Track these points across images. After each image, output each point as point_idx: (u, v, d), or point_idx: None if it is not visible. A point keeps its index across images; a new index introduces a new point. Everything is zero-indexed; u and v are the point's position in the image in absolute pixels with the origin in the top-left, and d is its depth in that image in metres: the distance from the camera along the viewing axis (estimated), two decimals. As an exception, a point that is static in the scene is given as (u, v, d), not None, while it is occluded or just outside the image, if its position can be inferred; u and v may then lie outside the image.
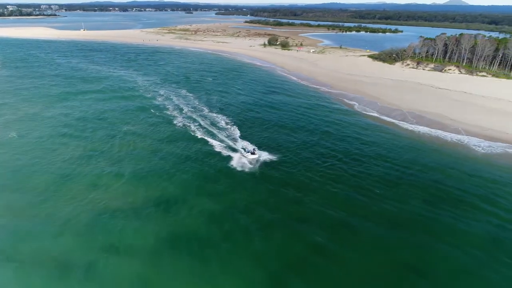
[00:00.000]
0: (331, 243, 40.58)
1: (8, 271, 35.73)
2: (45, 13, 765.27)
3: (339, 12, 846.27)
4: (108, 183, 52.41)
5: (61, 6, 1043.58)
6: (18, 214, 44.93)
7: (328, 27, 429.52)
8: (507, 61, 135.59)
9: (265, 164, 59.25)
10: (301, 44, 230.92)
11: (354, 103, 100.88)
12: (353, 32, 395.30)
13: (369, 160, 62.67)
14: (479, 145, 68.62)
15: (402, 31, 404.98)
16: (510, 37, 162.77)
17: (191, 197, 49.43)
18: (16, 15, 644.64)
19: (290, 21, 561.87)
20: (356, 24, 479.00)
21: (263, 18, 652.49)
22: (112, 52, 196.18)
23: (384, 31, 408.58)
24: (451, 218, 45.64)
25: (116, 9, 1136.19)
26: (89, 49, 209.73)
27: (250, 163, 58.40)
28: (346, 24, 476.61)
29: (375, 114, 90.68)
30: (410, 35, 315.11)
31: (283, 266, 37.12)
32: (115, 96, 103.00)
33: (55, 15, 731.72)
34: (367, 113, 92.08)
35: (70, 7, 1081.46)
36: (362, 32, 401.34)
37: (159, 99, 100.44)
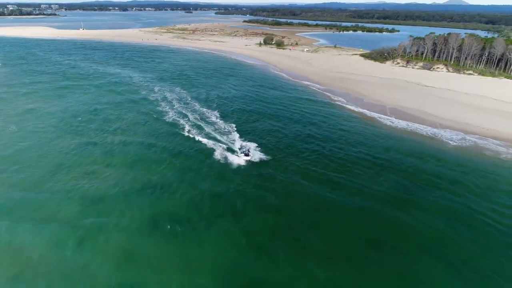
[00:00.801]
0: (311, 216, 44.80)
1: (25, 228, 41.39)
2: (45, 12, 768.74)
3: (338, 11, 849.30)
4: (102, 169, 56.35)
5: (61, 6, 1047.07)
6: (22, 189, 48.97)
7: (326, 27, 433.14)
8: (493, 60, 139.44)
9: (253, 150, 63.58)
10: (296, 44, 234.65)
11: (340, 98, 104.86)
12: (350, 32, 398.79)
13: (348, 147, 67.73)
14: (452, 138, 72.54)
15: (398, 31, 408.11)
16: (498, 36, 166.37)
17: (180, 182, 53.21)
18: (16, 15, 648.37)
19: (289, 20, 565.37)
20: (353, 24, 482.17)
21: (261, 18, 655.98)
22: (110, 51, 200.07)
23: (380, 30, 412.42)
24: (418, 197, 50.00)
25: (116, 8, 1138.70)
26: (88, 47, 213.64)
27: (244, 161, 59.76)
28: (344, 24, 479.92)
29: (358, 109, 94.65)
30: (406, 35, 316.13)
31: (266, 237, 41.21)
32: (112, 91, 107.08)
33: (55, 14, 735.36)
34: (350, 107, 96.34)
35: (70, 7, 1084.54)
36: (359, 32, 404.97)
37: (154, 94, 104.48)
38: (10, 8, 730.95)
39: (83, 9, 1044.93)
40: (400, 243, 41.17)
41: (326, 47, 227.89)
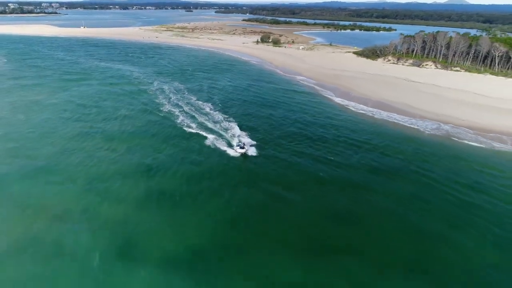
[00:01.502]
0: (288, 193, 50.66)
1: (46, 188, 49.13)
2: (46, 11, 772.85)
3: (338, 10, 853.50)
4: (105, 154, 62.06)
5: (61, 4, 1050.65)
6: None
7: (324, 26, 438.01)
8: (479, 57, 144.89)
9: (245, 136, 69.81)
10: (293, 42, 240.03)
11: (330, 92, 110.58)
12: (348, 31, 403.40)
13: (331, 131, 75.55)
14: (428, 127, 78.31)
15: (395, 30, 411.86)
16: (486, 34, 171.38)
17: (175, 164, 58.85)
18: (18, 13, 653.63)
19: (288, 19, 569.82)
20: (351, 23, 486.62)
21: (261, 17, 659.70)
22: (112, 48, 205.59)
23: (378, 29, 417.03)
24: (386, 178, 55.77)
25: (116, 7, 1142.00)
26: (89, 45, 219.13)
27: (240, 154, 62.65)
28: (342, 23, 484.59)
29: (345, 101, 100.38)
30: (402, 33, 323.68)
31: (247, 210, 46.90)
32: (113, 84, 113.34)
33: (56, 13, 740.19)
34: (338, 99, 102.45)
35: (70, 5, 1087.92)
36: (357, 31, 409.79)
37: (154, 87, 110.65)
38: (12, 7, 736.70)
39: (84, 8, 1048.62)
40: (369, 203, 48.11)
41: (322, 45, 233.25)
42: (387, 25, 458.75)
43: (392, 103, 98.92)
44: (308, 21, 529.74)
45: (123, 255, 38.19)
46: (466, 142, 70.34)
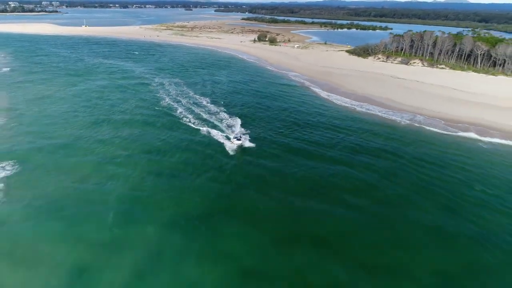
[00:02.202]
0: (279, 166, 58.86)
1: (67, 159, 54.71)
2: (46, 9, 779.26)
3: (336, 9, 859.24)
4: (111, 140, 70.13)
5: (62, 3, 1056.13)
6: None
7: (321, 25, 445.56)
8: (463, 55, 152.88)
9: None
10: (289, 40, 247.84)
11: (319, 88, 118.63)
12: (344, 30, 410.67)
13: (318, 118, 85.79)
14: (404, 118, 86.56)
15: (391, 29, 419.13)
16: (470, 29, 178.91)
17: (174, 150, 66.94)
18: (19, 12, 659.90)
19: (286, 18, 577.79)
20: (348, 22, 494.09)
21: (260, 16, 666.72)
22: (114, 46, 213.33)
23: (374, 28, 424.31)
24: (363, 156, 64.82)
25: (116, 5, 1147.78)
26: (92, 43, 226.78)
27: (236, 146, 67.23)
28: (339, 22, 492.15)
29: (333, 95, 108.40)
30: (398, 32, 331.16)
31: (235, 183, 55.12)
32: (118, 80, 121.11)
33: (56, 11, 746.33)
34: (326, 94, 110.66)
35: (71, 4, 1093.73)
36: (353, 30, 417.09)
37: (156, 82, 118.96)
38: (12, 5, 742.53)
39: (84, 6, 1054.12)
40: (347, 174, 56.83)
41: (317, 43, 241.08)
42: (383, 24, 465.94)
43: (376, 98, 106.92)
44: (306, 20, 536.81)
45: (133, 215, 46.41)
46: (435, 130, 78.69)
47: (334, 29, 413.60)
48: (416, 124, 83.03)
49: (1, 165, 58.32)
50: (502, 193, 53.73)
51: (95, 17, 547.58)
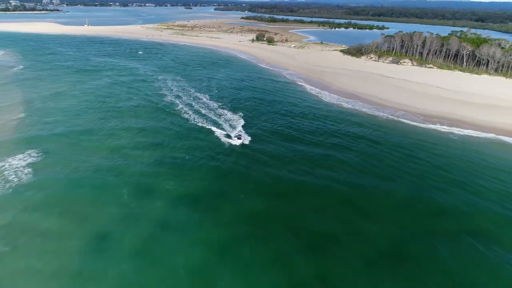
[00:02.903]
0: (272, 149, 67.58)
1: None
2: (48, 8, 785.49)
3: (335, 8, 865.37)
4: (123, 133, 78.72)
5: (62, 1, 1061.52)
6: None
7: (319, 24, 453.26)
8: (450, 55, 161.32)
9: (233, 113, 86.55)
10: (286, 40, 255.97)
11: (311, 85, 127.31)
12: (342, 29, 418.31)
13: (307, 109, 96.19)
14: (385, 112, 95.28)
15: (388, 28, 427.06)
16: (459, 35, 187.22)
17: (178, 141, 75.53)
18: (21, 10, 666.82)
19: (285, 17, 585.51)
20: (346, 21, 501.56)
21: (259, 14, 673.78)
22: (118, 46, 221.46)
23: (371, 27, 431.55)
24: (346, 142, 74.94)
25: (117, 4, 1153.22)
26: (96, 43, 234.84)
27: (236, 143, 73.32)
28: (337, 21, 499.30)
29: (324, 92, 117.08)
30: (394, 31, 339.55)
31: (233, 168, 63.72)
32: (123, 77, 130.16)
33: (57, 10, 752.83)
34: (317, 91, 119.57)
35: (71, 2, 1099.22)
36: (350, 29, 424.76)
37: (160, 81, 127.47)
38: (13, 4, 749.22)
39: (84, 4, 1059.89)
40: (329, 156, 65.59)
41: (313, 43, 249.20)
42: (380, 24, 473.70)
43: (363, 95, 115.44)
44: (305, 19, 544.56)
45: (143, 191, 55.21)
46: (413, 123, 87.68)
47: (331, 28, 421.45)
48: (396, 118, 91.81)
49: (30, 149, 67.79)
50: (463, 172, 63.05)
51: (96, 16, 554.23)
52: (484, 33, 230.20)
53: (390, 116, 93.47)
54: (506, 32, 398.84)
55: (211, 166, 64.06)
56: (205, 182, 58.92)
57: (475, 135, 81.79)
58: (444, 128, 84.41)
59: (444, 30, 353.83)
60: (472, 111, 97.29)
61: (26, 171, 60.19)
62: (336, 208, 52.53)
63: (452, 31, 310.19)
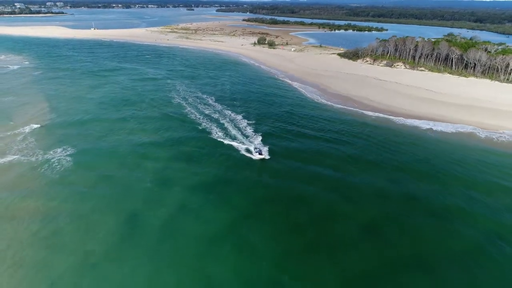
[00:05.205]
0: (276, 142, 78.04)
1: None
2: (52, 11, 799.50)
3: (335, 9, 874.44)
4: (135, 130, 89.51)
5: (65, 3, 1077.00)
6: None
7: (319, 26, 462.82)
8: (440, 59, 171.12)
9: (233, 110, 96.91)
10: (286, 43, 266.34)
11: (307, 87, 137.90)
12: (341, 31, 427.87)
13: (303, 109, 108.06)
14: (373, 114, 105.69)
15: (387, 30, 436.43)
16: (450, 39, 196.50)
17: (186, 138, 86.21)
18: (26, 13, 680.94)
19: (286, 19, 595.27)
20: (346, 22, 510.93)
21: (260, 16, 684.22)
22: (127, 50, 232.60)
23: (370, 29, 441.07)
24: (339, 138, 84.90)
25: (119, 5, 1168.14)
26: (104, 47, 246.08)
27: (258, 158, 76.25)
28: (337, 22, 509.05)
29: (318, 94, 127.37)
30: (392, 33, 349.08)
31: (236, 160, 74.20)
32: (137, 81, 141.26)
33: (62, 12, 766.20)
34: (312, 93, 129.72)
35: (74, 4, 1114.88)
36: (350, 31, 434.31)
37: (171, 84, 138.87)
38: (18, 7, 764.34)
39: (88, 6, 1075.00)
40: (324, 153, 75.75)
41: (313, 46, 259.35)
42: (379, 25, 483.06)
43: (356, 98, 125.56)
44: (306, 20, 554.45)
45: (162, 181, 65.85)
46: (400, 123, 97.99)
47: (331, 30, 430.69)
48: (382, 117, 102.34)
49: (63, 147, 79.10)
50: (438, 163, 73.88)
51: (101, 19, 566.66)
52: (481, 34, 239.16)
53: (378, 115, 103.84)
54: (503, 33, 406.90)
55: (222, 160, 74.82)
56: (218, 174, 69.56)
57: (450, 131, 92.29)
58: (425, 125, 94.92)
59: (443, 31, 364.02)
60: (452, 111, 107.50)
61: (68, 159, 73.90)
62: (326, 193, 62.80)
63: (448, 33, 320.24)
